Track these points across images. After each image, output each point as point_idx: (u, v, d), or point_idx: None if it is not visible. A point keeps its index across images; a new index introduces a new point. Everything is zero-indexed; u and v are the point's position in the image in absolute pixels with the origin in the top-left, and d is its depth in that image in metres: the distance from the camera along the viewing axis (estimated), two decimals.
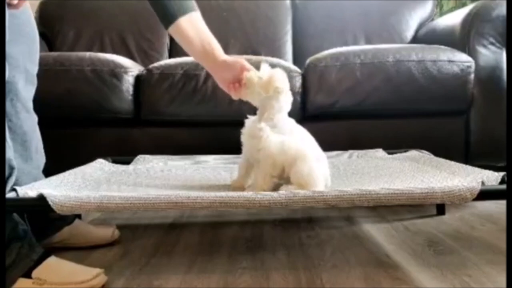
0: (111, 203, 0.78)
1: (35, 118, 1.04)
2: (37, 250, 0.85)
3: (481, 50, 1.44)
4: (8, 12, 0.84)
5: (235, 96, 0.98)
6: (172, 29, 0.93)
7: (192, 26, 0.93)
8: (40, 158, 1.05)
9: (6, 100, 0.94)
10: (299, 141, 0.94)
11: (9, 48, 0.89)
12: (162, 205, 0.77)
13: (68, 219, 1.08)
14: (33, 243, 0.86)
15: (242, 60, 0.97)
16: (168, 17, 0.92)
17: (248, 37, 2.02)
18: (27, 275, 0.82)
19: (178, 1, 0.92)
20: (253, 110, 0.99)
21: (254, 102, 0.98)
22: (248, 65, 0.96)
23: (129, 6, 2.08)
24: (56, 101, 1.40)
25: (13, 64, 0.94)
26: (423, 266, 0.94)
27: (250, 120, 0.97)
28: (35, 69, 1.03)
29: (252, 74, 0.94)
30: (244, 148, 0.98)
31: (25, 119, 0.99)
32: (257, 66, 0.96)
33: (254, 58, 1.52)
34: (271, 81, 0.92)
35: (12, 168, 0.86)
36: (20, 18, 0.96)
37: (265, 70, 0.95)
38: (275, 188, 0.92)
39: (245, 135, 0.96)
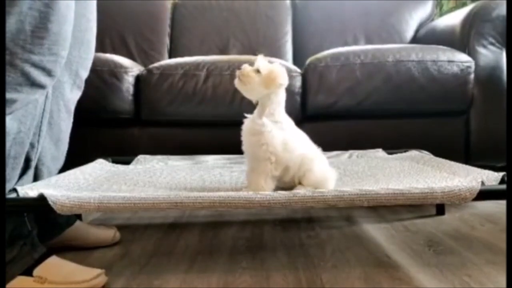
0: (111, 203, 0.78)
1: (71, 121, 1.07)
2: (39, 250, 0.86)
3: (481, 50, 1.44)
4: (75, 20, 0.88)
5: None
6: None
7: None
8: (61, 161, 1.07)
9: (52, 97, 0.96)
10: (301, 139, 0.93)
11: (68, 53, 0.93)
12: (162, 205, 0.77)
13: (70, 220, 1.08)
14: (36, 243, 0.87)
15: None
16: None
17: (248, 37, 2.02)
18: (28, 273, 0.82)
19: None
20: (253, 110, 0.98)
21: (253, 97, 0.93)
22: None
23: (129, 6, 2.08)
24: None
25: (67, 66, 0.98)
26: (423, 266, 0.94)
27: (249, 118, 0.93)
28: (85, 74, 1.07)
29: (248, 69, 0.89)
30: (244, 147, 0.92)
31: (64, 119, 1.02)
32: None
33: (254, 58, 1.52)
34: (274, 77, 0.88)
35: (28, 167, 0.87)
36: (82, 26, 0.99)
37: (263, 64, 0.89)
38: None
39: (245, 133, 0.91)
